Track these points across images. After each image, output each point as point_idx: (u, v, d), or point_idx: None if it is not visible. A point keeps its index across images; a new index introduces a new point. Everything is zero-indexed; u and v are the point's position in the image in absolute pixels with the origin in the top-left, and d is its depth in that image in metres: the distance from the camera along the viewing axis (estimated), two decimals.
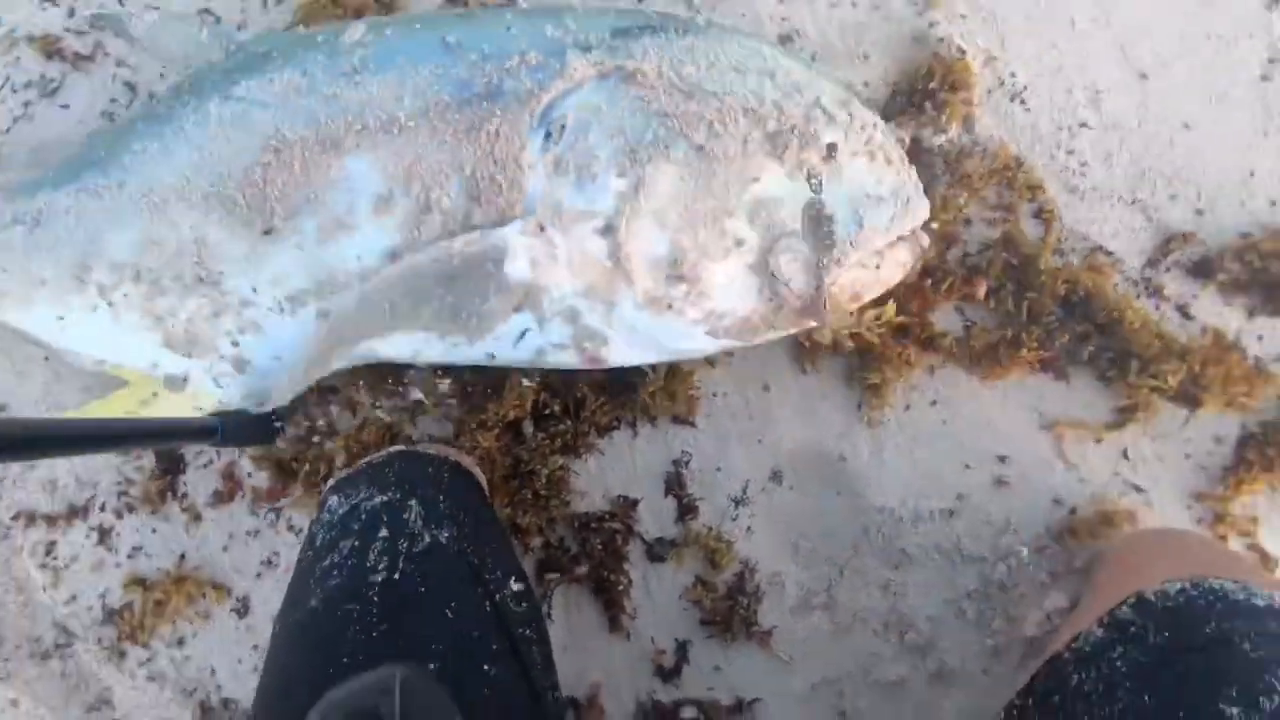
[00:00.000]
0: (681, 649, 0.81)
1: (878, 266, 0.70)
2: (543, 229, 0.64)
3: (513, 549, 0.72)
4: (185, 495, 0.86)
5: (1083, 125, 0.83)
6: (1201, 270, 0.80)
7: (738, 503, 0.82)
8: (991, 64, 0.84)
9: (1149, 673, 0.51)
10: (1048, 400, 0.81)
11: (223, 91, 0.71)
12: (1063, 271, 0.79)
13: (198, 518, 0.86)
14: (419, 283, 0.66)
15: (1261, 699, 0.46)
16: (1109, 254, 0.81)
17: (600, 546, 0.81)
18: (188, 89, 0.74)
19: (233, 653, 0.86)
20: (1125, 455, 0.80)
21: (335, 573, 0.58)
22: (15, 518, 0.87)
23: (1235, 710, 0.46)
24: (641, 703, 0.81)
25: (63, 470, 0.87)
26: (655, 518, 0.83)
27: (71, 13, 0.92)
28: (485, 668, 0.56)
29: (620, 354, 0.70)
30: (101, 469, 0.87)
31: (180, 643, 0.86)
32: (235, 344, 0.75)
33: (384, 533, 0.59)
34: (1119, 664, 0.53)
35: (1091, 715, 0.52)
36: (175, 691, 0.86)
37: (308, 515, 0.85)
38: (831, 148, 0.65)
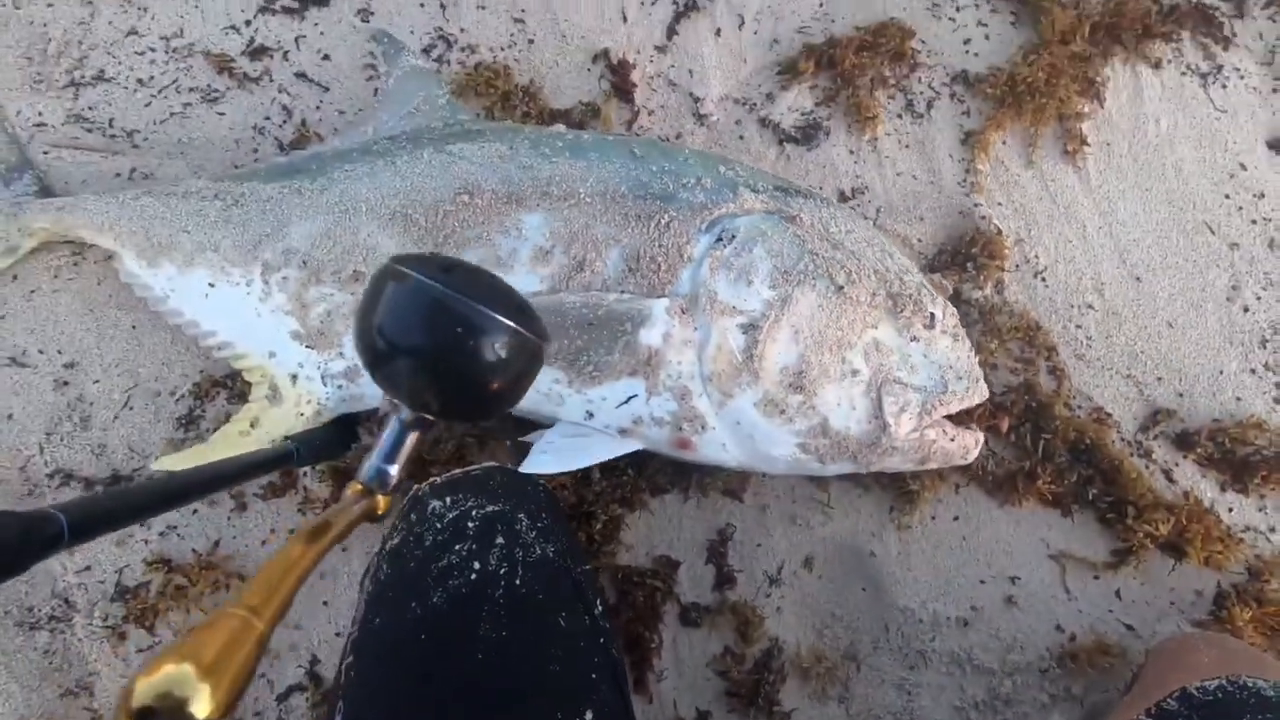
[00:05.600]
0: (702, 719, 0.82)
1: (952, 440, 0.81)
2: (684, 311, 0.75)
3: (594, 573, 0.74)
4: None
5: (1089, 307, 1.00)
6: (1183, 443, 0.94)
7: (772, 581, 0.87)
8: (1020, 244, 1.01)
9: None
10: (1055, 532, 0.90)
11: (438, 145, 0.83)
12: (1072, 421, 0.92)
13: (243, 506, 0.85)
14: (559, 319, 0.74)
15: None
16: (1108, 414, 0.95)
17: (641, 600, 0.83)
18: (405, 138, 0.86)
19: None
20: (1118, 595, 0.88)
21: (456, 574, 0.59)
22: (51, 475, 0.85)
23: None
24: None
25: (115, 435, 0.86)
26: (694, 583, 0.86)
27: (251, 42, 1.04)
28: (593, 676, 0.58)
29: (711, 446, 0.77)
30: (157, 441, 0.86)
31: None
32: None
33: (500, 540, 0.61)
34: None
35: None
36: None
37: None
38: (934, 319, 0.80)
